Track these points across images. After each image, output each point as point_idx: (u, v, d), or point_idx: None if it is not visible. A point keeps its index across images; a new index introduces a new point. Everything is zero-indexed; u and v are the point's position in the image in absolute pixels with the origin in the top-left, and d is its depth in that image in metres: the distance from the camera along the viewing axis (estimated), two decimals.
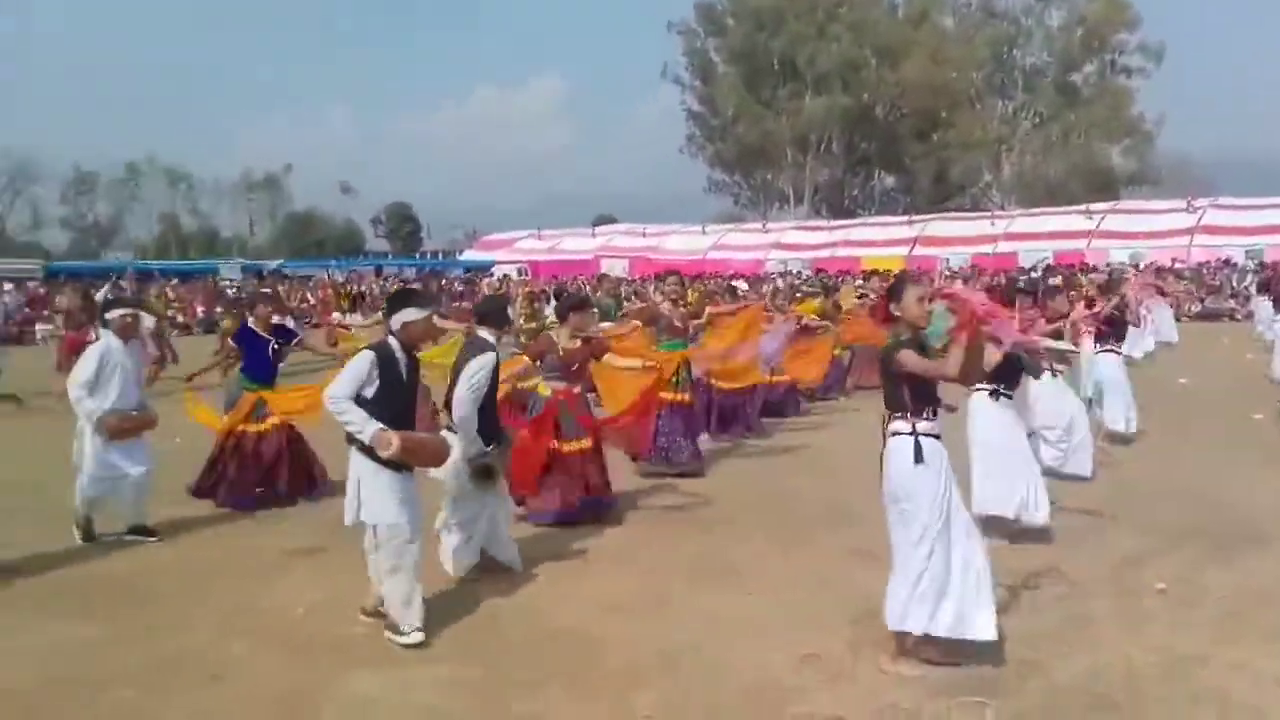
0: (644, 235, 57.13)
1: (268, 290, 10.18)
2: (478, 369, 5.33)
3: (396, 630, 4.68)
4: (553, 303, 14.30)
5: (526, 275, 46.60)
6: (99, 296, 17.89)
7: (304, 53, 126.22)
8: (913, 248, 47.19)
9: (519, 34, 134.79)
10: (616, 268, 49.76)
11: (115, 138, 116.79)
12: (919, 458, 4.21)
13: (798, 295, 15.28)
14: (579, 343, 6.75)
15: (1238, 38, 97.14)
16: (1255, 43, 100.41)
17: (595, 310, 7.75)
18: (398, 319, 4.82)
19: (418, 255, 68.66)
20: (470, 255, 58.94)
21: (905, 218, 53.60)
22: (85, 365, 6.33)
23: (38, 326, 28.46)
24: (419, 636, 4.64)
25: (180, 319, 28.00)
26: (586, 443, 6.72)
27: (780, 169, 66.03)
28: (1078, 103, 62.22)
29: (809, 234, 53.31)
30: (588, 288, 23.79)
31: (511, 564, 5.68)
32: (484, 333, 5.64)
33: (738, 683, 4.22)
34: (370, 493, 4.67)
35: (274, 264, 47.53)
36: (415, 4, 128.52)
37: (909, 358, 4.19)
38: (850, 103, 63.36)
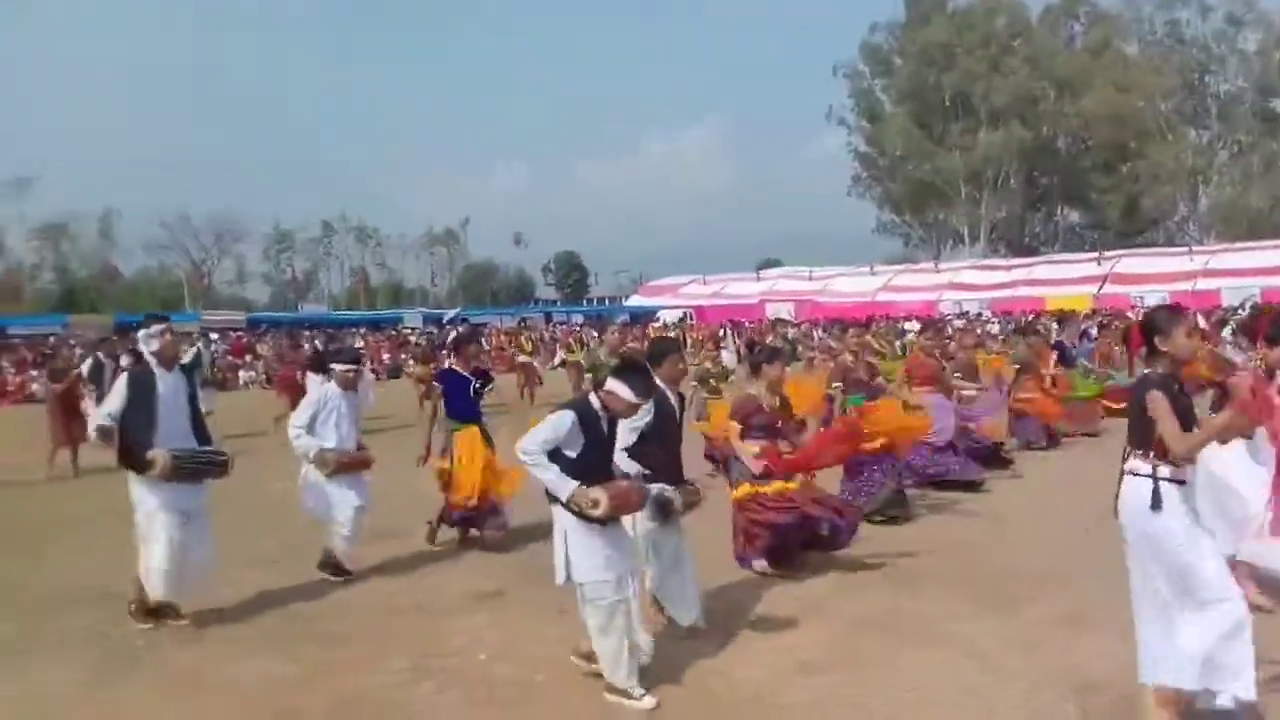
0: (810, 279, 56.47)
1: (474, 331, 10.50)
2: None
3: (623, 694, 4.46)
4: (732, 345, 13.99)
5: (692, 321, 46.83)
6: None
7: (476, 112, 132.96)
8: (1102, 286, 44.64)
9: (683, 82, 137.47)
10: (782, 311, 49.27)
11: (310, 198, 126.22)
12: (1156, 504, 3.75)
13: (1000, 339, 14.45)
14: (777, 399, 6.50)
15: None
16: None
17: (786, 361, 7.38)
18: (613, 386, 4.53)
19: (584, 302, 70.26)
20: (635, 301, 59.75)
21: (1093, 254, 50.67)
22: (303, 410, 6.70)
23: (240, 373, 30.73)
24: (651, 702, 4.41)
25: (370, 365, 29.46)
26: (794, 483, 6.41)
27: (954, 207, 64.01)
28: (1279, 129, 57.58)
29: (986, 274, 51.32)
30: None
31: (694, 621, 5.34)
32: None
33: None
34: (577, 549, 4.48)
35: (452, 312, 49.64)
36: (579, 55, 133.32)
37: (1159, 404, 3.75)
38: (1029, 136, 60.93)
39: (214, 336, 34.37)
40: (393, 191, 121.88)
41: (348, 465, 6.67)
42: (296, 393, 13.06)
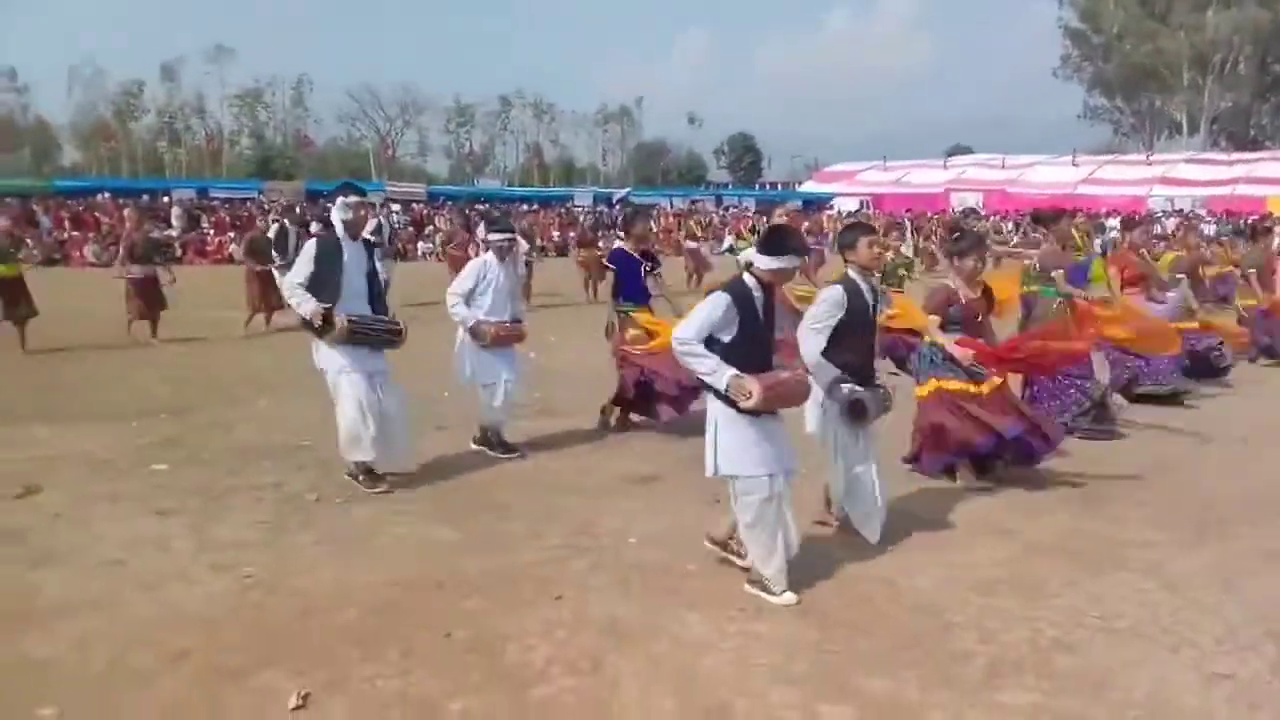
0: (1003, 167, 53.04)
1: (642, 210, 10.32)
2: (820, 301, 4.97)
3: (764, 588, 4.34)
4: (909, 236, 13.19)
5: (869, 209, 45.04)
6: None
7: None
8: None
9: None
10: (969, 201, 46.66)
11: (490, 73, 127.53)
12: None
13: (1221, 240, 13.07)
14: (978, 292, 5.99)
15: None
16: None
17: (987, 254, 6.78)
18: (771, 261, 4.33)
19: (757, 186, 68.74)
20: (810, 187, 57.92)
21: None
22: (464, 279, 6.75)
23: (419, 244, 31.84)
24: (791, 598, 4.28)
25: (539, 242, 29.91)
26: (995, 381, 5.96)
27: (1173, 93, 58.24)
28: None
29: (1203, 168, 46.76)
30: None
31: (873, 537, 5.05)
32: (849, 269, 5.10)
33: (1123, 697, 3.47)
34: (728, 442, 4.31)
35: (622, 192, 49.60)
36: None
37: None
38: (1265, 16, 54.11)
39: (395, 207, 35.65)
40: (569, 67, 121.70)
41: (502, 337, 6.73)
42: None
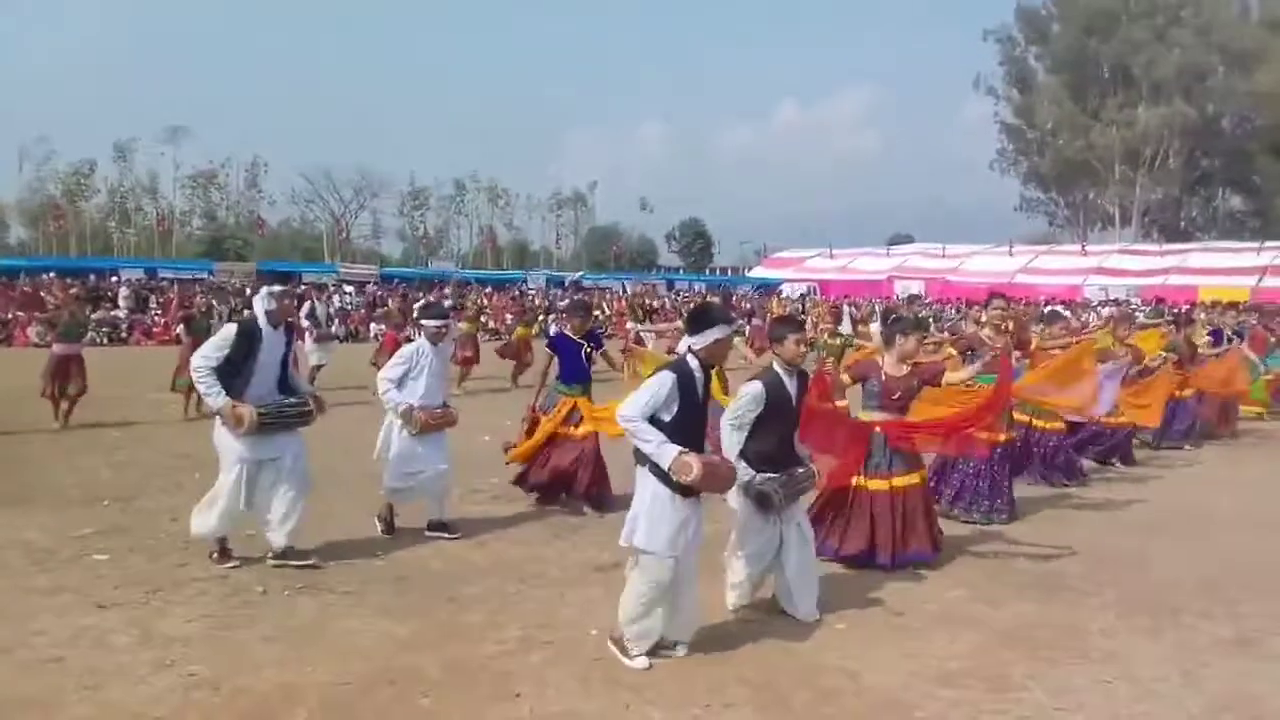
0: (943, 256, 54.47)
1: (585, 299, 10.44)
2: (740, 396, 5.11)
3: (621, 648, 4.51)
4: (846, 319, 13.43)
5: (816, 296, 45.87)
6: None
7: (613, 75, 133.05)
8: (1262, 277, 41.63)
9: (827, 43, 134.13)
10: (912, 289, 47.76)
11: (444, 157, 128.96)
12: None
13: (1137, 324, 13.53)
14: (907, 370, 6.11)
15: None
16: None
17: (928, 336, 7.02)
18: (703, 338, 4.53)
19: (707, 271, 69.75)
20: (759, 273, 58.92)
21: (1255, 244, 47.17)
22: (396, 364, 6.70)
23: (372, 325, 31.64)
24: (644, 663, 4.46)
25: (491, 325, 29.92)
26: (907, 480, 6.06)
27: (1105, 186, 60.66)
28: None
29: (1136, 259, 48.50)
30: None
31: (806, 616, 5.13)
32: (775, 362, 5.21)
33: None
34: (653, 516, 4.42)
35: (575, 275, 49.99)
36: (720, 21, 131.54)
37: None
38: (1192, 113, 57.05)
39: (348, 289, 35.49)
40: (524, 152, 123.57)
41: (432, 425, 6.66)
42: None
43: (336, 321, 27.84)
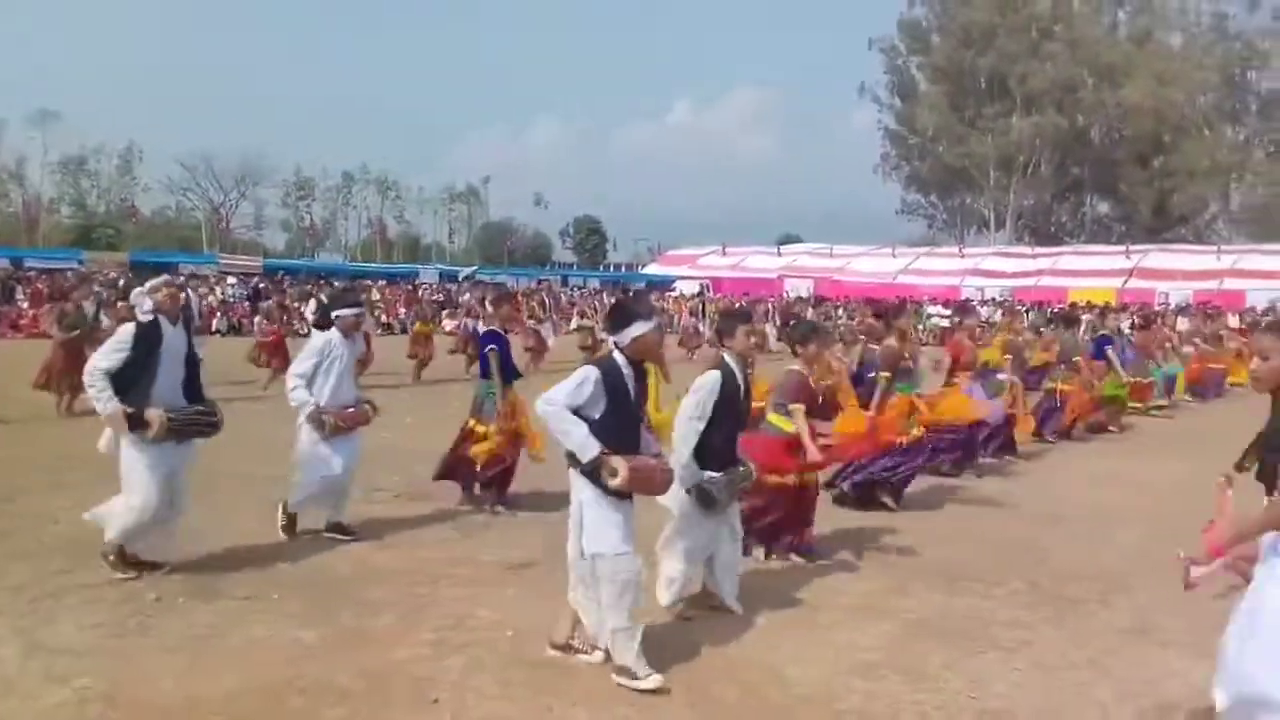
0: (830, 256, 55.87)
1: (510, 291, 10.30)
2: (696, 389, 4.98)
3: (629, 675, 4.20)
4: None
5: (709, 292, 46.42)
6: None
7: (508, 69, 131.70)
8: (1127, 280, 44.11)
9: (721, 46, 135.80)
10: (800, 288, 48.82)
11: (332, 147, 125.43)
12: None
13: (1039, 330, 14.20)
14: (816, 377, 6.19)
15: None
16: None
17: (829, 338, 7.12)
18: (627, 334, 4.37)
19: (602, 268, 69.82)
20: (654, 270, 59.27)
21: (1121, 247, 49.94)
22: (305, 358, 6.33)
23: (255, 319, 30.50)
24: (658, 680, 4.16)
25: (384, 319, 29.23)
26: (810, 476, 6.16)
27: (981, 192, 63.29)
28: None
29: (1010, 261, 50.75)
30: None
31: (733, 606, 5.17)
32: (725, 355, 5.20)
33: None
34: (594, 520, 4.23)
35: (468, 270, 49.31)
36: (615, 18, 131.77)
37: None
38: (1063, 124, 60.05)
39: (231, 281, 34.13)
40: (416, 145, 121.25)
41: (345, 426, 6.33)
42: (284, 357, 12.67)
43: (218, 314, 26.77)
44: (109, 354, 5.36)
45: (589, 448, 4.12)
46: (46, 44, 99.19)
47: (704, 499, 4.89)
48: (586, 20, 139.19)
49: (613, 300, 5.00)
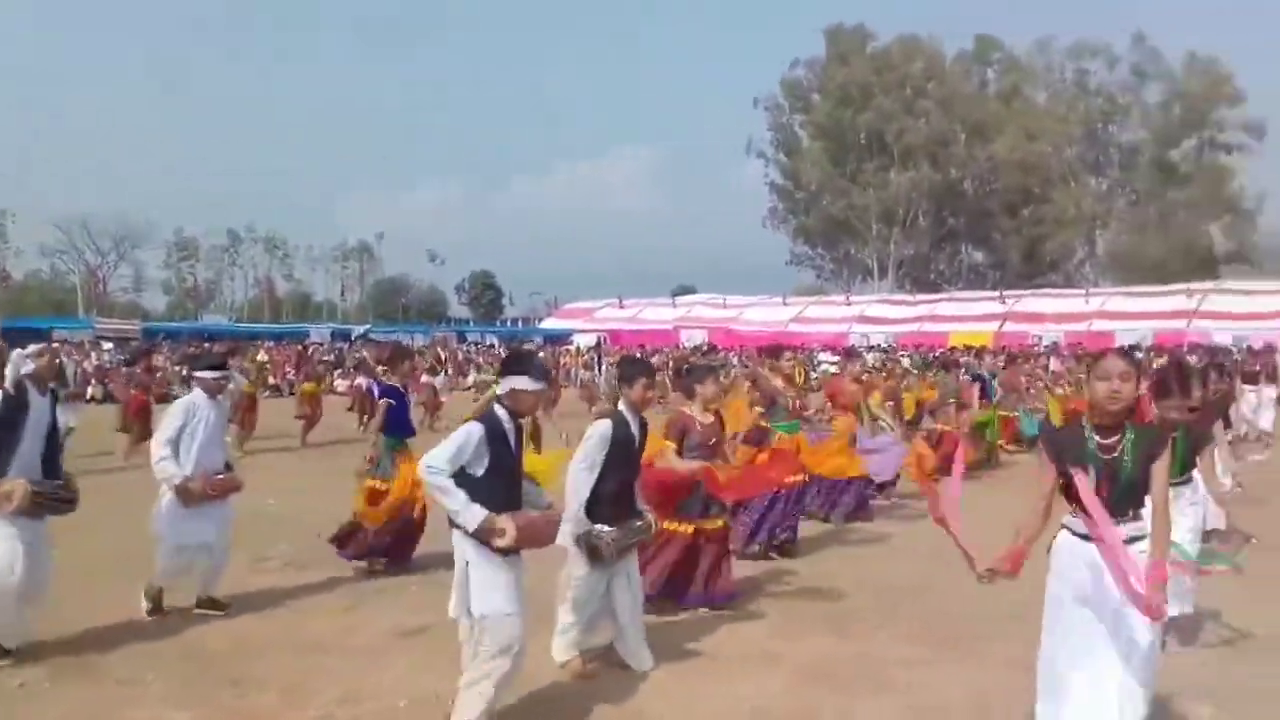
0: (724, 306, 56.80)
1: (407, 348, 10.10)
2: (588, 437, 5.02)
3: None
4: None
5: (606, 345, 46.62)
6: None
7: (399, 128, 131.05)
8: (1003, 324, 45.97)
9: (607, 107, 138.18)
10: (696, 338, 49.45)
11: (217, 206, 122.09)
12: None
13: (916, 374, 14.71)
14: (712, 417, 6.27)
15: None
16: None
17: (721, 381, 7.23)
18: (511, 384, 4.34)
19: (498, 322, 69.47)
20: (550, 324, 59.23)
21: (995, 293, 52.22)
22: (170, 424, 5.98)
23: (119, 383, 29.18)
24: None
25: (271, 380, 28.33)
26: (715, 524, 6.20)
27: (865, 242, 65.54)
28: (1175, 180, 60.65)
29: (894, 308, 52.41)
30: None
31: (639, 664, 5.12)
32: (620, 404, 5.26)
33: None
34: (480, 580, 4.14)
35: (361, 328, 48.40)
36: (506, 78, 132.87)
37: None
38: (938, 177, 62.86)
39: (107, 346, 32.68)
40: (305, 204, 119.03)
41: (214, 494, 6.03)
42: (146, 423, 12.06)
43: (93, 381, 25.53)
44: None
45: (471, 516, 4.03)
46: None
47: (591, 552, 4.90)
48: (473, 76, 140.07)
49: (516, 351, 5.06)
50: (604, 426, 5.04)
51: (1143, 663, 3.52)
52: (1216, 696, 4.69)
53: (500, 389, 4.41)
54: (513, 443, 4.32)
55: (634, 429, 5.14)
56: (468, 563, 4.17)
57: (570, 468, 5.05)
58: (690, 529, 6.10)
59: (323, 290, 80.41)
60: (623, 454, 5.06)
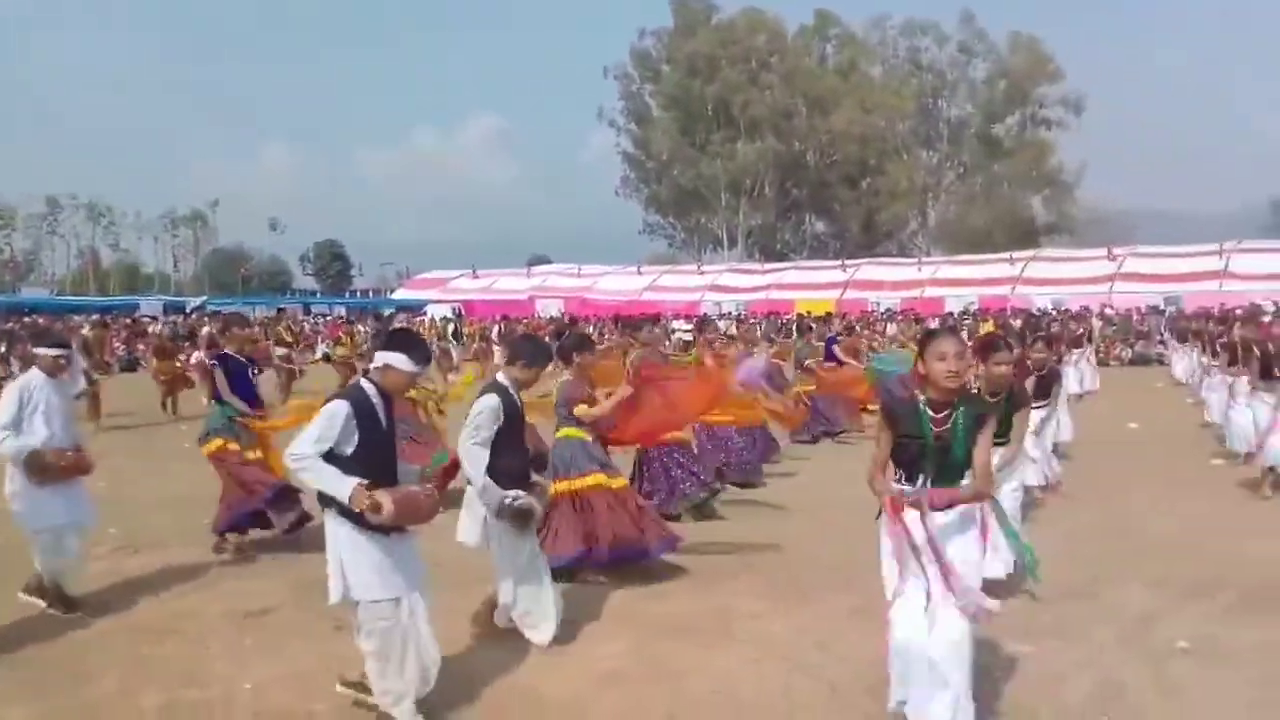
0: (579, 275, 56.85)
1: (240, 313, 9.78)
2: (476, 411, 4.97)
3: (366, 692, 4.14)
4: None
5: (463, 315, 45.95)
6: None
7: (237, 89, 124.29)
8: (844, 291, 47.80)
9: (458, 74, 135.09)
10: (551, 308, 49.35)
11: (35, 172, 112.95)
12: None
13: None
14: (586, 385, 6.38)
15: (1154, 93, 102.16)
16: (1170, 98, 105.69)
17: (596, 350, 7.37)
18: (384, 358, 4.18)
19: (347, 294, 67.32)
20: (402, 294, 57.84)
21: (837, 262, 54.24)
22: (6, 407, 5.55)
23: None
24: None
25: (98, 356, 26.57)
26: (620, 481, 6.36)
27: (715, 212, 66.67)
28: (999, 154, 64.26)
29: (743, 277, 53.64)
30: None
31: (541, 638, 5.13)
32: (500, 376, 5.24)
33: None
34: (354, 563, 4.01)
35: (197, 301, 46.03)
36: (354, 40, 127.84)
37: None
38: (782, 149, 64.47)
39: None
40: (133, 169, 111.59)
41: (64, 469, 5.67)
42: None
43: None
44: None
45: (343, 486, 3.88)
46: None
47: (516, 516, 4.88)
48: (321, 45, 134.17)
49: (403, 330, 4.96)
50: (493, 401, 4.98)
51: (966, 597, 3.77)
52: (1031, 636, 5.10)
53: (375, 360, 4.27)
54: (383, 419, 4.17)
55: (517, 399, 5.15)
56: (340, 544, 4.04)
57: (460, 445, 4.95)
58: (605, 479, 6.24)
59: (153, 261, 75.87)
60: (515, 426, 5.09)
